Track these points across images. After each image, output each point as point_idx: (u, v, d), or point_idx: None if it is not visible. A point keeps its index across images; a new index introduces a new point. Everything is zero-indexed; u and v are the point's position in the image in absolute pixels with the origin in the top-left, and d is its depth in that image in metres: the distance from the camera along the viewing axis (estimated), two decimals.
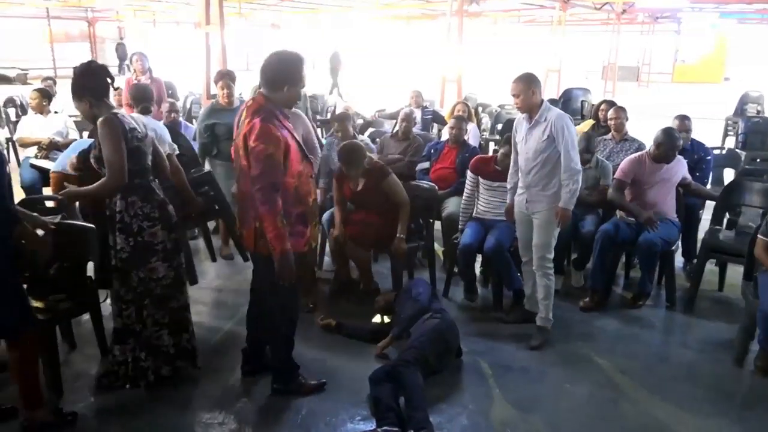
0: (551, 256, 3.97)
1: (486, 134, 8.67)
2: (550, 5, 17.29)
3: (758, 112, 9.84)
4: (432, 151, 5.47)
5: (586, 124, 6.46)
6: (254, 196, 2.84)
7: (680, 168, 4.54)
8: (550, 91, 15.99)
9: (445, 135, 6.69)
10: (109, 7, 21.20)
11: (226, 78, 5.22)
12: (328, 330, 4.02)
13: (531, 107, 3.73)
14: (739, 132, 7.93)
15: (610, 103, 6.21)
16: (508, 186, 4.13)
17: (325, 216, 4.70)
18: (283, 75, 2.90)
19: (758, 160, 6.94)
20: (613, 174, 4.71)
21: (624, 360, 3.77)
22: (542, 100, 3.76)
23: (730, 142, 9.04)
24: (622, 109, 5.53)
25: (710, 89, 22.59)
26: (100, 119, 2.99)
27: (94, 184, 3.06)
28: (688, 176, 4.62)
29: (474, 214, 4.63)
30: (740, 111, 10.15)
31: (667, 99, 19.28)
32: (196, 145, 5.28)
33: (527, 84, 3.69)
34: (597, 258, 4.42)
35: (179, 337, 3.36)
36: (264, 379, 3.40)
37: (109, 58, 23.53)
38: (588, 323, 4.26)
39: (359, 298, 4.54)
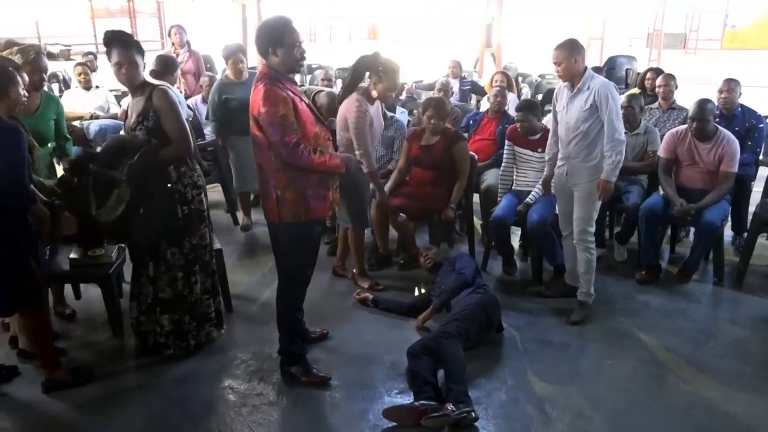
0: (593, 229, 3.85)
1: None
2: None
3: None
4: (471, 122, 5.36)
5: (631, 93, 6.23)
6: (285, 163, 2.84)
7: (728, 152, 4.18)
8: (592, 59, 15.52)
9: (484, 106, 6.57)
10: None
11: (238, 53, 5.12)
12: (364, 304, 4.01)
13: (573, 75, 3.59)
14: None
15: (657, 71, 5.98)
16: (547, 157, 4.01)
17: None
18: (269, 39, 2.85)
19: None
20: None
21: (669, 336, 3.66)
22: (585, 68, 3.61)
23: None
24: (670, 76, 5.31)
25: (763, 56, 21.58)
26: (158, 89, 3.10)
27: (164, 150, 3.11)
28: (734, 168, 4.20)
29: (513, 187, 4.53)
30: None
31: (716, 67, 18.51)
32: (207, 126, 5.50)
33: (570, 51, 3.55)
34: (645, 236, 4.29)
35: (217, 302, 3.54)
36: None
37: (147, 33, 23.80)
38: (631, 298, 4.15)
39: (401, 267, 4.60)
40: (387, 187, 4.41)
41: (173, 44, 6.59)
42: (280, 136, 2.77)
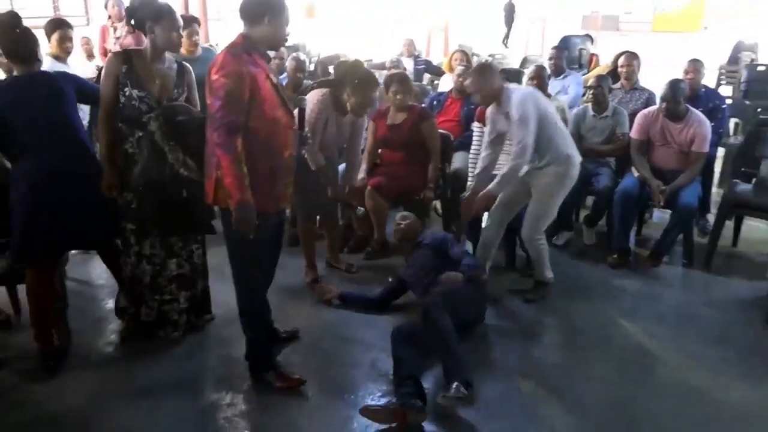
0: (544, 228, 3.70)
1: None
2: None
3: (752, 60, 9.58)
4: (434, 102, 5.14)
5: (602, 68, 6.15)
6: (211, 138, 2.52)
7: (699, 132, 4.14)
8: (535, 40, 15.62)
9: (442, 86, 6.37)
10: None
11: (193, 24, 4.65)
12: (331, 305, 3.71)
13: (494, 97, 3.47)
14: (742, 81, 7.69)
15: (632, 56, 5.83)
16: (477, 170, 3.74)
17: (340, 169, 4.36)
18: (266, 6, 2.54)
19: (759, 110, 6.76)
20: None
21: (651, 323, 3.58)
22: (502, 87, 3.47)
23: (724, 92, 8.82)
24: (633, 56, 5.21)
25: (689, 38, 22.29)
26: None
27: None
28: (706, 149, 4.17)
29: None
30: (734, 60, 9.89)
31: (647, 47, 18.98)
32: None
33: (481, 76, 3.44)
34: (619, 219, 4.21)
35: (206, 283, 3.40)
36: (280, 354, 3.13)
37: (70, 8, 22.37)
38: (608, 283, 4.06)
39: (369, 256, 4.38)
40: (362, 169, 4.15)
41: (110, 17, 6.02)
42: (218, 109, 2.44)
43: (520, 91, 3.50)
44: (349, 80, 3.57)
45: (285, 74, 5.02)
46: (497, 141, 3.64)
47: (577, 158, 3.62)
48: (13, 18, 2.92)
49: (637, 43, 20.86)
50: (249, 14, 2.56)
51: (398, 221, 3.72)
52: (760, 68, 8.05)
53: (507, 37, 19.05)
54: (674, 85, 4.15)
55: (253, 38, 2.57)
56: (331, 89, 3.67)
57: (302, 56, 5.07)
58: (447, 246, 3.50)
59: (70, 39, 4.24)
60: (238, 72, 2.44)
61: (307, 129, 3.22)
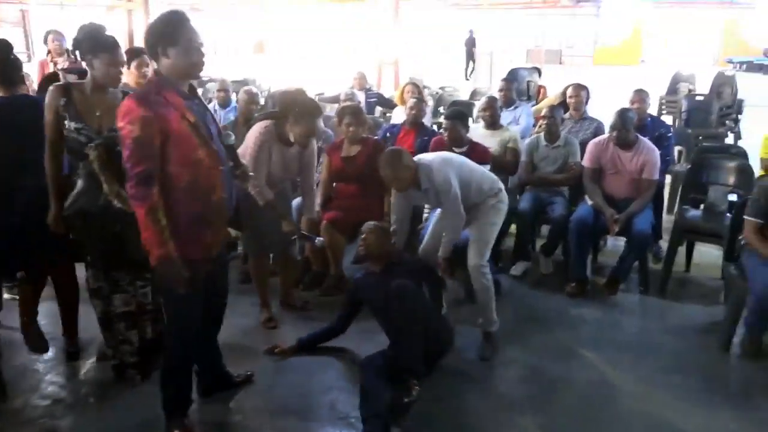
0: (488, 254, 3.52)
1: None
2: None
3: (690, 90, 9.99)
4: (388, 135, 5.10)
5: (553, 99, 6.26)
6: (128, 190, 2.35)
7: (649, 160, 4.23)
8: (483, 74, 15.95)
9: (394, 119, 6.37)
10: None
11: (143, 55, 4.23)
12: (288, 355, 3.44)
13: (412, 179, 3.32)
14: (683, 110, 7.97)
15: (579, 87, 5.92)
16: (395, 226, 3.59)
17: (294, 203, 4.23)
18: (159, 36, 2.35)
19: (700, 137, 7.00)
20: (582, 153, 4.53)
21: (611, 351, 3.56)
22: (416, 166, 3.33)
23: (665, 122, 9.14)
24: (581, 87, 5.33)
25: (628, 71, 23.20)
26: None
27: None
28: (656, 176, 4.27)
29: None
30: (673, 90, 10.30)
31: (589, 80, 19.61)
32: None
33: (393, 167, 3.27)
34: (576, 247, 4.21)
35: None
36: (222, 399, 2.97)
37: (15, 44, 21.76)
38: (566, 313, 4.04)
39: (325, 292, 4.21)
40: (316, 203, 4.04)
41: (50, 52, 5.81)
42: (126, 159, 2.29)
43: (434, 162, 3.37)
44: (291, 110, 3.46)
45: (233, 106, 4.93)
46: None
47: (501, 184, 3.58)
48: (6, 46, 3.12)
49: (580, 75, 21.59)
50: (148, 50, 2.40)
51: (363, 233, 3.41)
52: (698, 97, 8.38)
53: (471, 70, 19.43)
54: (623, 114, 4.23)
55: (164, 74, 2.39)
56: (274, 121, 3.55)
57: (254, 89, 5.00)
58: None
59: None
60: (144, 117, 2.26)
61: (247, 163, 3.11)
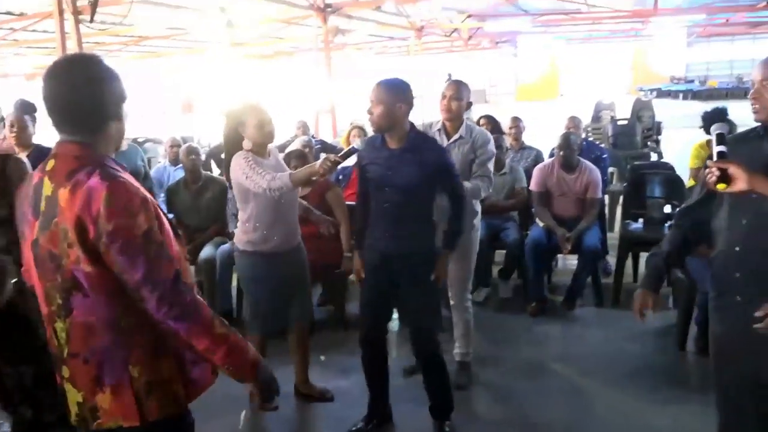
0: (470, 287, 3.61)
1: None
2: (405, 35, 17.87)
3: (612, 117, 10.65)
4: (340, 177, 5.22)
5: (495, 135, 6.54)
6: (152, 315, 1.53)
7: (592, 180, 4.51)
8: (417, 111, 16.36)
9: (349, 162, 6.49)
10: None
11: (21, 111, 3.68)
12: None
13: (458, 115, 3.34)
14: (609, 135, 8.50)
15: (488, 118, 6.14)
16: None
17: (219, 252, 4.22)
18: (100, 105, 1.59)
19: (628, 158, 7.46)
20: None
21: (581, 363, 3.72)
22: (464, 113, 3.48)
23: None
24: (518, 119, 5.65)
25: (549, 104, 24.39)
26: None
27: None
28: (599, 194, 4.57)
29: None
30: (596, 118, 10.94)
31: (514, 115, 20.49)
32: None
33: (462, 85, 3.34)
34: (534, 269, 4.40)
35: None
36: None
37: None
38: (531, 331, 4.20)
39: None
40: None
41: None
42: (148, 268, 1.51)
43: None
44: (241, 115, 3.13)
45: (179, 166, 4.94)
46: None
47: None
48: None
49: (505, 111, 22.58)
50: (84, 120, 1.61)
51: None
52: (621, 122, 8.97)
53: None
54: (567, 136, 4.55)
55: (96, 147, 1.61)
56: (242, 151, 3.15)
57: (193, 144, 5.00)
58: None
59: None
60: (142, 202, 1.54)
61: (247, 186, 2.97)
